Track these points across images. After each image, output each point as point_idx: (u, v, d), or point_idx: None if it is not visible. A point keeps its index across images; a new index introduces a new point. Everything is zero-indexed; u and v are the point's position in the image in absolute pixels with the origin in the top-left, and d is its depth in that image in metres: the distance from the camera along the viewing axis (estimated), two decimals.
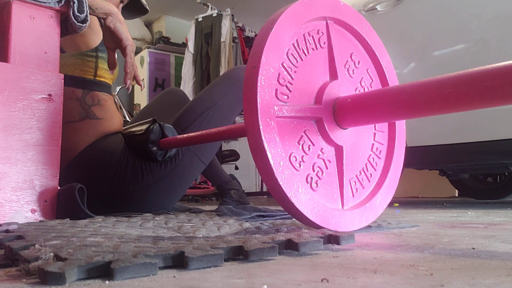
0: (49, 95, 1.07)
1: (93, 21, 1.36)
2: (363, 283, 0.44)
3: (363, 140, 0.97)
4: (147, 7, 1.61)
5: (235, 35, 4.60)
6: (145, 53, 5.40)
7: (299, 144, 0.83)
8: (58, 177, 1.07)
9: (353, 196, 0.93)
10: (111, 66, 1.32)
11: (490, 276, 0.47)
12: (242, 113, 0.81)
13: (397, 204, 2.41)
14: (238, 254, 0.58)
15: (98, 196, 1.24)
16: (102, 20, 1.25)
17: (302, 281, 0.45)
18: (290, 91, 0.83)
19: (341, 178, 0.90)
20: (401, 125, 1.06)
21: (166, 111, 1.61)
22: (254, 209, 1.32)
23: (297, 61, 0.86)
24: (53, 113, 1.07)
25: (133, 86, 4.41)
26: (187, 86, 4.52)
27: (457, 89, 0.70)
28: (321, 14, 0.91)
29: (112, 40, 1.27)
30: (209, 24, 4.56)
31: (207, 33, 4.55)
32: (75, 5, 1.10)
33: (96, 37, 1.35)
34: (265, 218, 1.15)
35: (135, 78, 1.32)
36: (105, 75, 1.37)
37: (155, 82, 5.38)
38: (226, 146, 4.74)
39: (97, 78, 1.35)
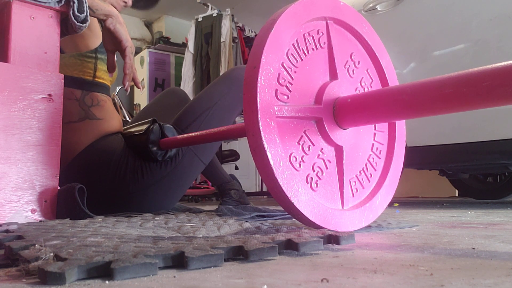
0: (49, 95, 1.07)
1: (94, 23, 1.36)
2: (363, 283, 0.44)
3: (363, 140, 0.97)
4: None
5: (235, 35, 4.60)
6: (145, 53, 5.40)
7: (299, 144, 0.83)
8: (58, 177, 1.07)
9: (353, 196, 0.93)
10: (110, 68, 1.32)
11: (490, 276, 0.47)
12: (242, 113, 0.81)
13: (397, 204, 2.41)
14: (238, 254, 0.58)
15: (98, 196, 1.24)
16: (102, 22, 1.24)
17: (302, 281, 0.45)
18: (290, 91, 0.83)
19: (341, 178, 0.90)
20: (401, 125, 1.06)
21: (166, 111, 1.61)
22: (254, 209, 1.32)
23: (297, 61, 0.86)
24: (53, 113, 1.07)
25: (133, 86, 4.41)
26: (187, 86, 4.52)
27: (457, 89, 0.70)
28: (321, 14, 0.91)
29: (112, 42, 1.27)
30: (209, 24, 4.56)
31: (207, 33, 4.55)
32: (75, 5, 1.10)
33: (96, 39, 1.35)
34: (265, 218, 1.15)
35: (134, 80, 1.31)
36: (104, 76, 1.37)
37: (155, 82, 5.38)
38: (226, 146, 4.74)
39: (96, 79, 1.34)
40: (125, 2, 1.49)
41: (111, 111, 1.38)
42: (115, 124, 1.38)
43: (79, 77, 1.31)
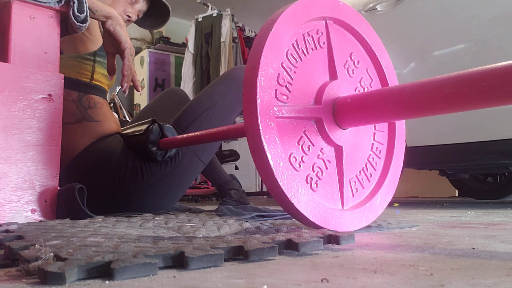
0: (49, 95, 1.07)
1: (94, 27, 1.36)
2: (363, 283, 0.44)
3: (363, 140, 0.97)
4: (169, 8, 1.60)
5: (235, 35, 4.60)
6: (145, 53, 5.40)
7: (299, 144, 0.83)
8: (58, 177, 1.07)
9: (353, 196, 0.93)
10: (110, 71, 1.31)
11: (490, 276, 0.47)
12: (242, 113, 0.81)
13: (397, 204, 2.41)
14: (238, 254, 0.58)
15: (98, 196, 1.24)
16: (102, 24, 1.24)
17: (302, 281, 0.45)
18: (289, 91, 0.83)
19: (341, 178, 0.90)
20: (401, 125, 1.06)
21: (166, 111, 1.61)
22: (254, 209, 1.32)
23: (296, 61, 0.86)
24: (53, 113, 1.07)
25: (132, 87, 4.39)
26: (187, 86, 4.52)
27: (457, 89, 0.70)
28: (320, 14, 0.91)
29: (112, 44, 1.26)
30: (209, 24, 4.56)
31: (207, 33, 4.55)
32: (75, 5, 1.10)
33: (96, 42, 1.35)
34: (265, 218, 1.15)
35: (133, 82, 1.30)
36: (102, 79, 1.37)
37: (155, 82, 5.38)
38: (226, 146, 4.74)
39: (93, 82, 1.34)
40: (129, 17, 1.48)
41: (108, 113, 1.38)
42: (113, 126, 1.38)
43: (76, 78, 1.31)
